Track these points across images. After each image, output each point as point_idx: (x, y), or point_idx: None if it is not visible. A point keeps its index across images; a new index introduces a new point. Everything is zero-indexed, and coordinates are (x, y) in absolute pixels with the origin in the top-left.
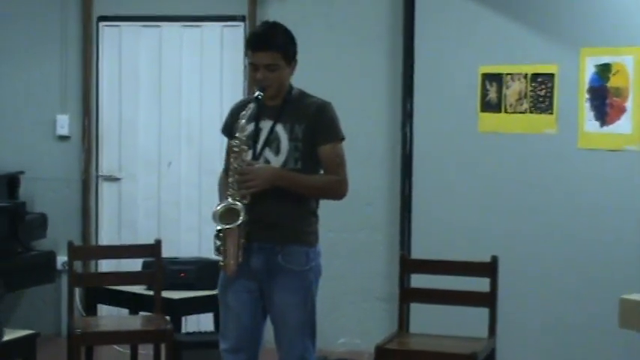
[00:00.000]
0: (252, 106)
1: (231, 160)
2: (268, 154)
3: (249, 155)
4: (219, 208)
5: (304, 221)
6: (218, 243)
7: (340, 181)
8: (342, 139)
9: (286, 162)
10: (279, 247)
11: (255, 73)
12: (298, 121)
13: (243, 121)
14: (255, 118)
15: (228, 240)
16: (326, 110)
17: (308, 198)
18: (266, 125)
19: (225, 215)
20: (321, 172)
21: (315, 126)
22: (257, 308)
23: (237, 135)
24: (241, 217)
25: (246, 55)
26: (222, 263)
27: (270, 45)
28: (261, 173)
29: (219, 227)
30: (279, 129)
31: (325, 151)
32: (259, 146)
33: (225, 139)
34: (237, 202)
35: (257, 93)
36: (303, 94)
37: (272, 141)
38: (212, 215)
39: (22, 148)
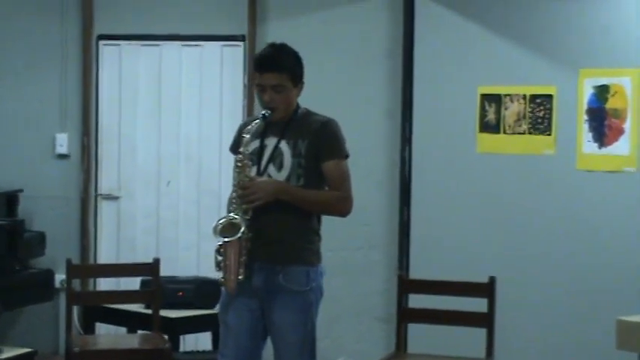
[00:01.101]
0: (258, 122)
1: (235, 175)
2: (272, 169)
3: (253, 171)
4: (220, 222)
5: (306, 239)
6: (219, 258)
7: (344, 198)
8: (347, 156)
9: (289, 178)
10: (280, 266)
11: (262, 95)
12: (302, 137)
13: (248, 136)
14: (261, 135)
15: (229, 255)
16: (330, 127)
17: (310, 216)
18: (271, 142)
19: (226, 230)
20: (326, 189)
21: (319, 142)
22: (257, 328)
23: (240, 150)
24: (242, 230)
25: (253, 76)
26: (222, 279)
27: (278, 66)
28: (263, 187)
29: (219, 242)
30: (283, 145)
31: (329, 168)
32: (263, 163)
33: (224, 159)
34: (238, 217)
35: (264, 111)
36: (308, 113)
37: (276, 157)
38: (212, 229)
39: (22, 166)
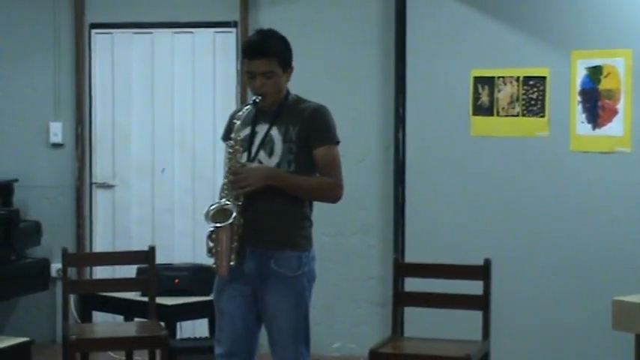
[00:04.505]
0: (249, 108)
1: (227, 161)
2: (262, 156)
3: (244, 157)
4: (211, 207)
5: (297, 224)
6: (210, 244)
7: (334, 183)
8: (337, 142)
9: (280, 164)
10: (272, 251)
11: (252, 82)
12: (293, 123)
13: (239, 122)
14: (252, 121)
15: (221, 241)
16: (320, 113)
17: (302, 201)
18: (262, 129)
19: (218, 215)
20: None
21: (310, 128)
22: (251, 313)
23: (232, 136)
24: (233, 216)
25: (242, 63)
26: (214, 265)
27: (266, 52)
28: (254, 173)
29: (211, 228)
30: (274, 132)
31: (320, 154)
32: (254, 149)
33: (218, 145)
34: (229, 203)
35: (255, 97)
36: (299, 99)
37: (267, 143)
38: (204, 215)
39: (16, 156)
